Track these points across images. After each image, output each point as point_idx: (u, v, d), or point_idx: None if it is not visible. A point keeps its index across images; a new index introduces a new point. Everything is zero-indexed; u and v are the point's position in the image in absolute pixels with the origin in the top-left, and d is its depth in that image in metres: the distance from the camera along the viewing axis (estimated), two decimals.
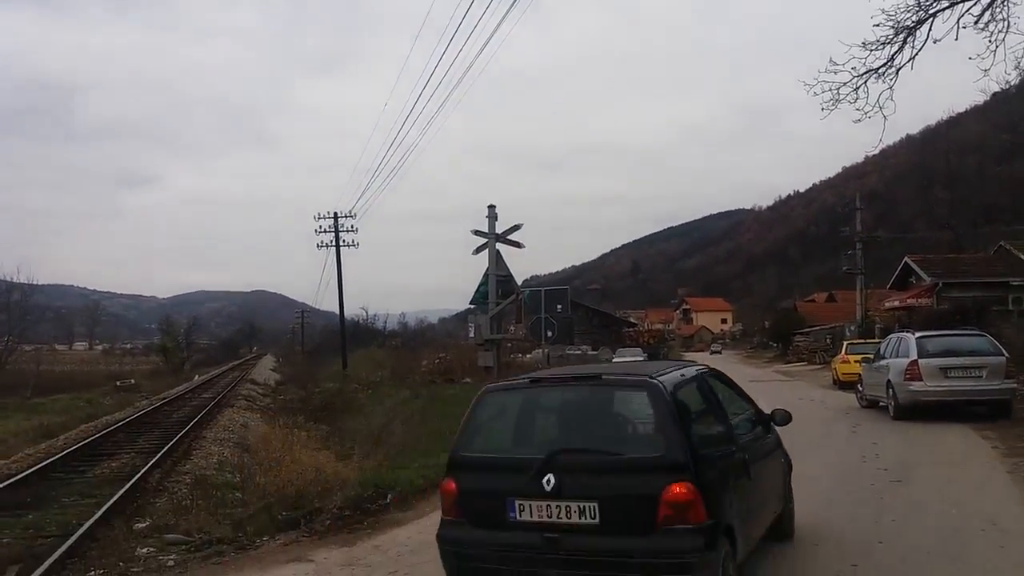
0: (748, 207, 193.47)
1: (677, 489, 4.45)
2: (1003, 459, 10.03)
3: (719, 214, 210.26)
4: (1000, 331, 20.14)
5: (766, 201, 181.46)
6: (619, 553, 4.52)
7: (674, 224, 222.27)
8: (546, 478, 4.65)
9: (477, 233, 16.23)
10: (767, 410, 6.63)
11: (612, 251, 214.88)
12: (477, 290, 16.56)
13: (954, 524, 6.95)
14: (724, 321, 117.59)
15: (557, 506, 4.64)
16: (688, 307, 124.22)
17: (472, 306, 17.40)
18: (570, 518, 4.61)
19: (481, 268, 16.43)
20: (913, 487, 8.59)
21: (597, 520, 4.56)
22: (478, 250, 16.33)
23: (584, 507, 4.58)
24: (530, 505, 4.71)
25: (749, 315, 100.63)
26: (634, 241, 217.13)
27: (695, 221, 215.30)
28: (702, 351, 78.96)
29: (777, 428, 6.59)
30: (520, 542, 4.73)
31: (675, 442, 4.65)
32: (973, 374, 13.73)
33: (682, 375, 5.56)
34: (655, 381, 4.97)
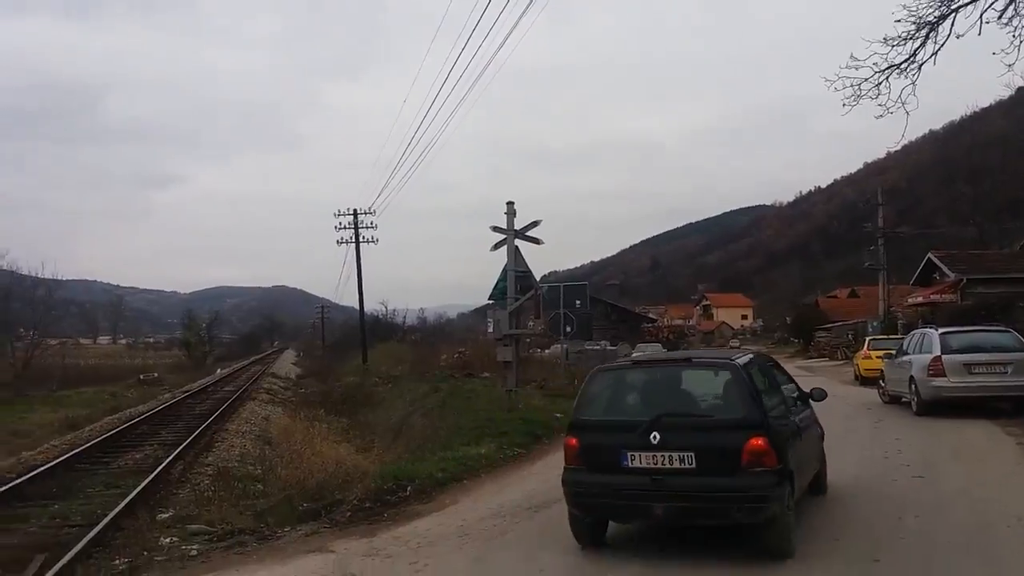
0: (769, 203, 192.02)
1: (756, 442, 5.86)
2: None
3: (739, 210, 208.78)
4: None
5: (787, 197, 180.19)
6: (711, 489, 5.89)
7: (694, 220, 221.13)
8: (652, 434, 6.03)
9: (496, 229, 16.20)
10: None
11: (631, 247, 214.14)
12: (496, 286, 16.52)
13: (979, 520, 6.87)
14: (745, 317, 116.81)
15: (662, 455, 6.01)
16: (708, 303, 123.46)
17: (491, 301, 17.35)
18: (672, 464, 5.99)
19: (500, 264, 16.41)
20: (936, 483, 8.51)
21: (694, 465, 5.93)
22: (496, 246, 16.30)
23: (683, 456, 5.97)
24: (639, 455, 6.09)
25: (770, 311, 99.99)
26: (653, 237, 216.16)
27: (715, 217, 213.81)
28: (722, 347, 78.57)
29: (813, 404, 7.93)
30: (631, 483, 6.12)
31: (752, 407, 6.11)
32: (997, 370, 13.57)
33: (750, 358, 7.17)
34: (734, 362, 6.60)
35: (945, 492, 8.06)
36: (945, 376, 13.66)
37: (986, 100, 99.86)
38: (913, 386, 14.48)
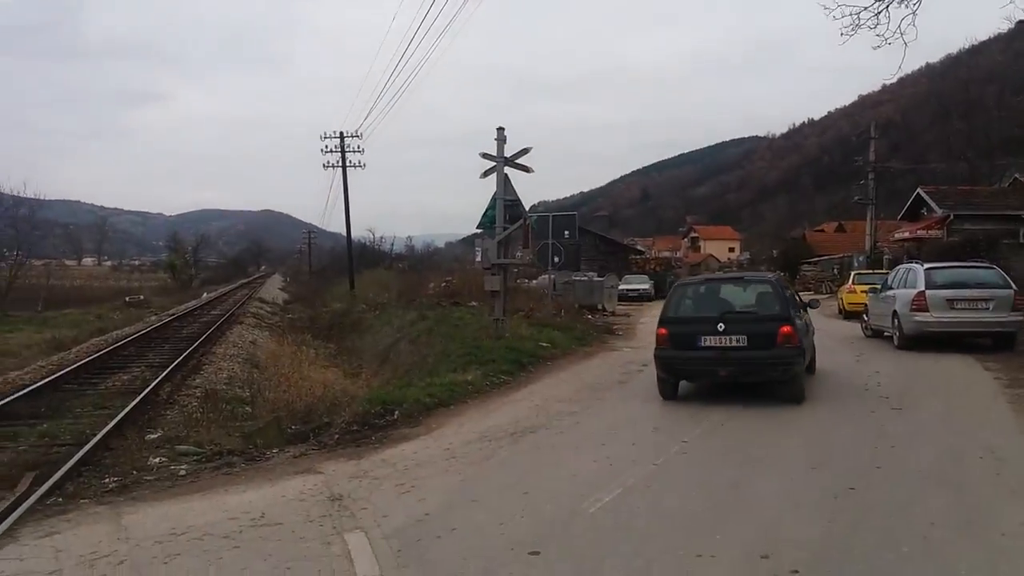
0: (762, 135, 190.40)
1: (785, 329, 9.21)
2: (1005, 390, 10.08)
3: (731, 141, 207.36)
4: (1009, 264, 20.02)
5: (780, 129, 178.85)
6: (758, 358, 9.25)
7: (685, 151, 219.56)
8: (719, 325, 9.33)
9: (485, 156, 15.99)
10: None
11: (621, 178, 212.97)
12: (484, 214, 16.39)
13: (952, 452, 7.04)
14: (732, 250, 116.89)
15: (725, 338, 9.28)
16: (696, 235, 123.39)
17: (479, 230, 17.26)
18: (732, 344, 9.27)
19: (489, 192, 16.26)
20: (914, 415, 8.68)
21: (746, 344, 9.23)
22: (486, 173, 16.10)
23: (739, 338, 9.25)
24: (710, 338, 9.34)
25: (757, 244, 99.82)
26: (644, 168, 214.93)
27: (706, 148, 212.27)
28: None
29: (810, 311, 11.70)
30: (705, 356, 9.43)
31: (784, 307, 9.59)
32: (980, 306, 13.72)
33: (777, 276, 11.77)
34: (770, 279, 10.78)
35: (921, 424, 8.23)
36: (928, 311, 13.81)
37: (985, 34, 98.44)
38: (896, 320, 14.64)
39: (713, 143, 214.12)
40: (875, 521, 5.22)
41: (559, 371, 13.34)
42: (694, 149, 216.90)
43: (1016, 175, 35.27)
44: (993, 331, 13.79)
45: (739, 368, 9.34)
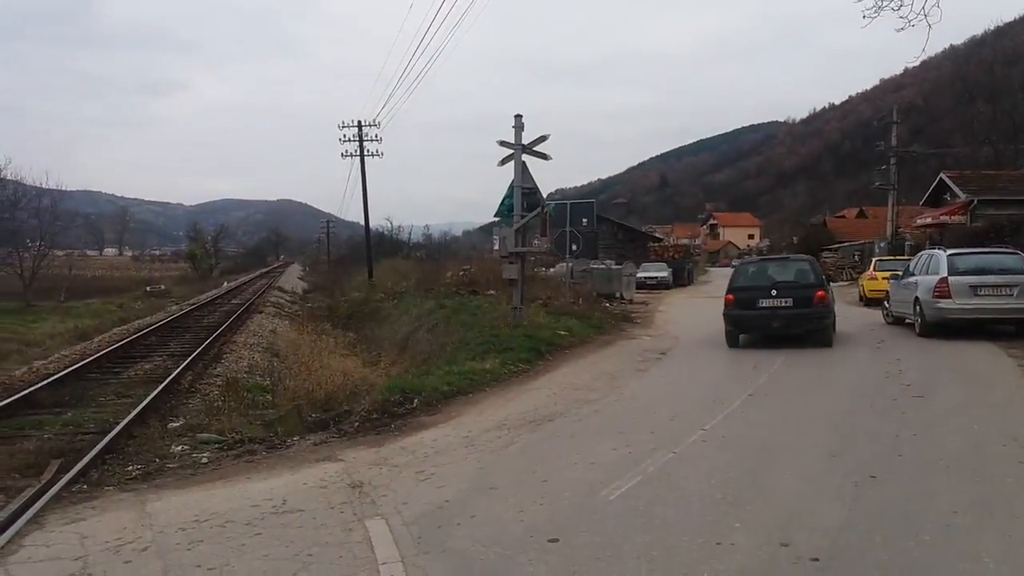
0: (781, 120, 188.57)
1: (820, 293, 13.42)
2: None
3: (751, 127, 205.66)
4: None
5: (800, 114, 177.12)
6: (800, 315, 13.23)
7: (704, 137, 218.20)
8: (772, 291, 13.43)
9: (503, 144, 15.95)
10: None
11: (640, 164, 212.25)
12: (502, 202, 16.37)
13: (974, 439, 6.96)
14: (751, 236, 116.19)
15: (776, 300, 13.34)
16: (715, 222, 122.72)
17: (497, 219, 17.25)
18: (781, 304, 13.31)
19: (506, 181, 16.24)
20: (935, 402, 8.60)
21: (792, 304, 13.26)
22: (503, 161, 16.08)
23: (786, 300, 13.31)
24: (766, 300, 13.38)
25: (777, 230, 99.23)
26: (662, 154, 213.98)
27: (726, 134, 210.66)
28: (727, 265, 78.28)
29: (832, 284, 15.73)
30: (762, 314, 13.44)
31: (819, 277, 13.94)
32: (1003, 292, 13.53)
33: (813, 256, 18.13)
34: (808, 258, 15.46)
35: (943, 412, 8.15)
36: (950, 298, 13.65)
37: (1010, 15, 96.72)
38: (917, 307, 14.49)
39: (732, 129, 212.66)
40: (896, 509, 5.18)
41: (577, 359, 13.34)
42: (713, 135, 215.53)
43: None
44: (1017, 318, 13.61)
45: (786, 321, 13.21)
